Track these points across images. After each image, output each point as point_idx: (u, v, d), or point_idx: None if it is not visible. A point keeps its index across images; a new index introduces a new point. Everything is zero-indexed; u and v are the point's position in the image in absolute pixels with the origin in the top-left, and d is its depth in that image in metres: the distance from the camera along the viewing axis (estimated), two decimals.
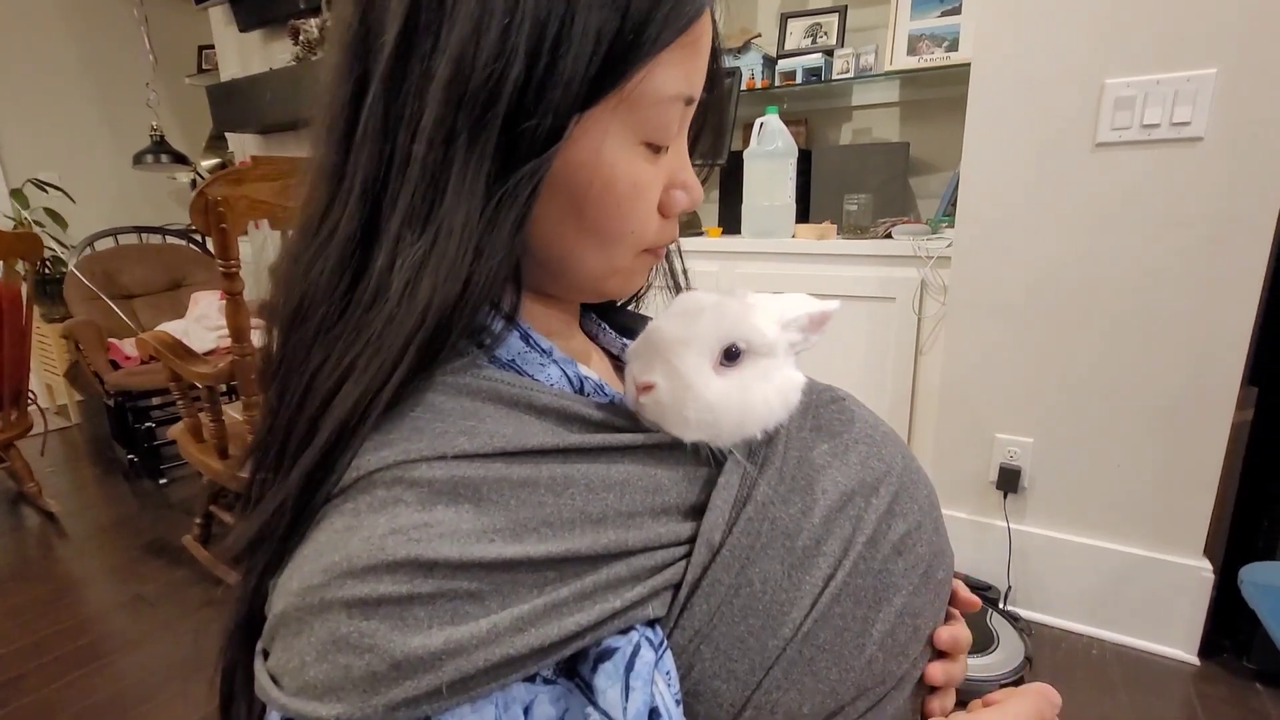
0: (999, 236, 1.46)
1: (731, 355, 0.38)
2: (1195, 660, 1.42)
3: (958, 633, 0.43)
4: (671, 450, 0.37)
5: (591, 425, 0.37)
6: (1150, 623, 1.45)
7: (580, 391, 0.43)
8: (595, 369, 0.47)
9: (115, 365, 2.69)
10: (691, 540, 0.35)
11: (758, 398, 0.38)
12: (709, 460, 0.37)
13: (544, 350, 0.42)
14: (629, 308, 0.62)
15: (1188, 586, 1.41)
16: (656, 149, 0.40)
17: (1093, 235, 1.37)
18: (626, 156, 0.38)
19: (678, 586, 0.35)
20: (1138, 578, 1.45)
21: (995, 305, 1.50)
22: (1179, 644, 1.44)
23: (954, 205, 1.79)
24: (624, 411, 0.39)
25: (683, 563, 0.35)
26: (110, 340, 2.73)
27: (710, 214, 2.22)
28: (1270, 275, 1.26)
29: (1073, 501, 1.50)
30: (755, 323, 0.38)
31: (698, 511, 0.36)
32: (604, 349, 0.55)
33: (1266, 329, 1.33)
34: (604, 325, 0.57)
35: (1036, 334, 1.46)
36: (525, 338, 0.42)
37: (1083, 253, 1.38)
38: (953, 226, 1.54)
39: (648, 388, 0.37)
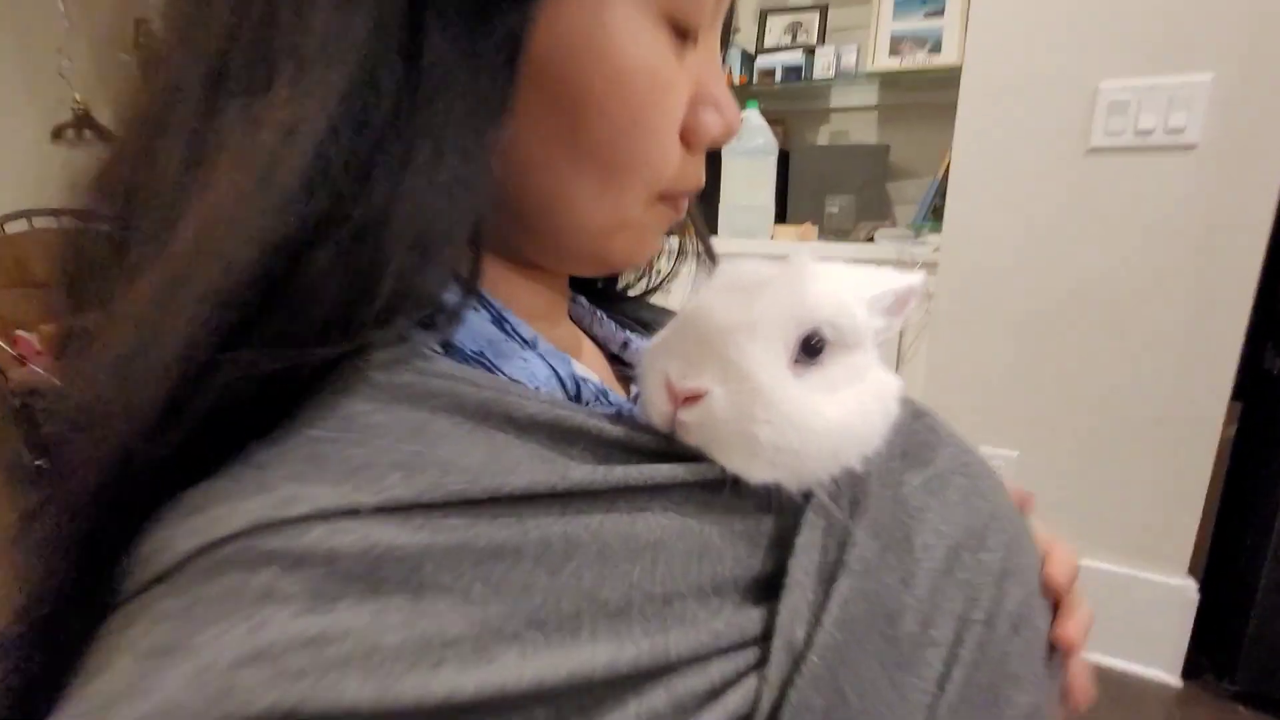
0: (987, 243, 1.41)
1: (813, 348, 0.27)
2: (1177, 682, 1.39)
3: None
4: (721, 491, 0.26)
5: (604, 451, 0.26)
6: (1132, 643, 1.41)
7: (576, 399, 0.31)
8: (590, 368, 0.35)
9: (22, 361, 2.43)
10: (762, 639, 0.24)
11: (858, 411, 0.27)
12: (777, 505, 0.26)
13: (525, 340, 0.31)
14: (633, 292, 0.50)
15: (1172, 606, 1.37)
16: (684, 34, 0.29)
17: (1083, 243, 1.33)
18: (643, 35, 0.27)
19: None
20: (1121, 596, 1.41)
21: (981, 313, 1.44)
22: (1161, 665, 1.40)
23: (934, 212, 1.75)
24: (647, 430, 0.27)
25: (752, 678, 0.23)
26: (18, 334, 2.47)
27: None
28: (1257, 289, 1.24)
29: (1058, 517, 1.45)
30: (845, 303, 0.27)
31: (765, 588, 0.25)
32: (599, 344, 0.43)
33: (1250, 343, 1.31)
34: (599, 313, 0.45)
35: (1023, 344, 1.41)
36: (499, 320, 0.31)
37: (1072, 261, 1.34)
38: (933, 232, 1.49)
39: (694, 397, 0.26)
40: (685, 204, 0.35)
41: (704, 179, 0.35)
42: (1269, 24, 1.14)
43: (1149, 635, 1.40)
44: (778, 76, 1.94)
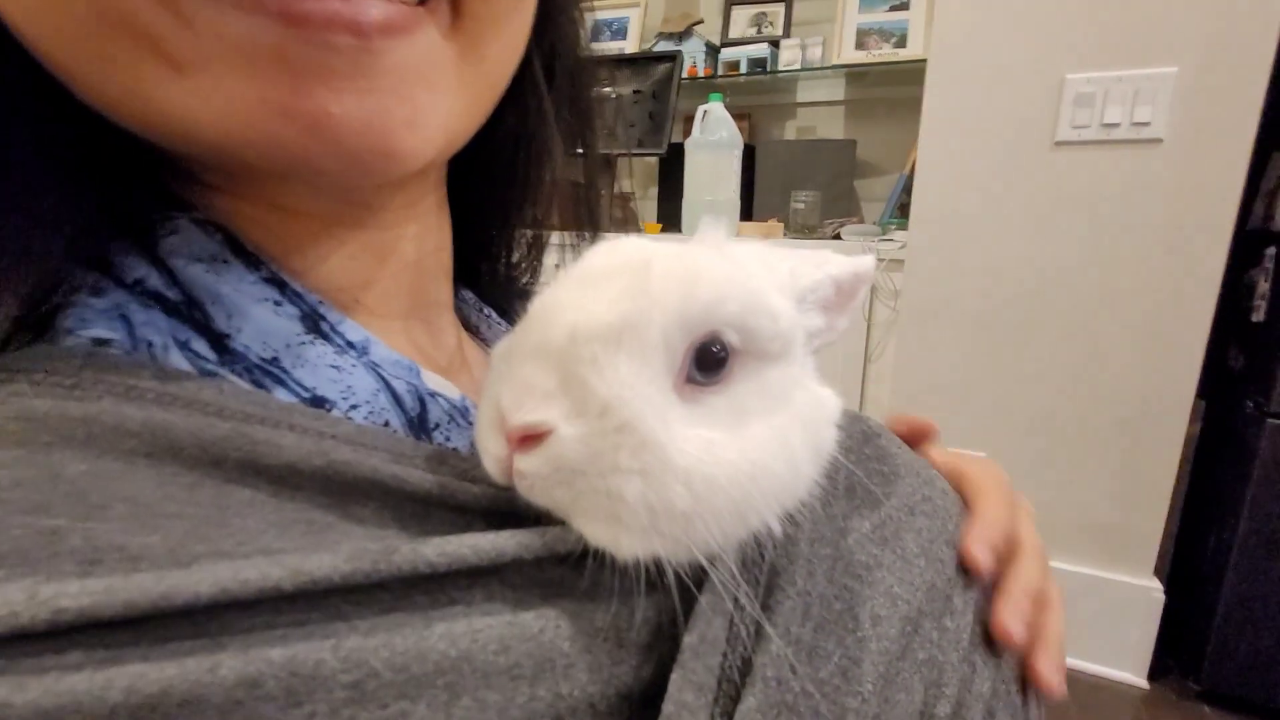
0: (954, 238, 1.38)
1: (712, 361, 0.20)
2: (1144, 683, 1.37)
3: None
4: (579, 567, 0.19)
5: (411, 510, 0.19)
6: (1099, 645, 1.39)
7: (419, 422, 0.24)
8: (464, 381, 0.28)
9: None
10: None
11: (776, 449, 0.20)
12: (657, 583, 0.19)
13: (349, 343, 0.24)
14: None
15: (1138, 607, 1.35)
16: None
17: (1049, 238, 1.30)
18: None
19: None
20: (1087, 598, 1.39)
21: (948, 311, 1.41)
22: (1128, 666, 1.38)
23: (901, 209, 1.72)
24: (488, 481, 0.20)
25: None
26: None
27: (649, 209, 2.08)
28: (1221, 285, 1.23)
29: None
30: (758, 293, 0.20)
31: (639, 708, 0.18)
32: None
33: (1213, 340, 1.30)
34: (486, 310, 0.37)
35: (989, 341, 1.39)
36: (312, 317, 0.23)
37: (1039, 257, 1.31)
38: (900, 229, 1.45)
39: (532, 437, 0.19)
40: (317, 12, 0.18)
41: None
42: (1233, 18, 1.13)
43: (1115, 637, 1.38)
44: (742, 68, 1.90)
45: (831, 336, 0.24)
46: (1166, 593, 1.35)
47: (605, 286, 0.20)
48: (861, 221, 1.79)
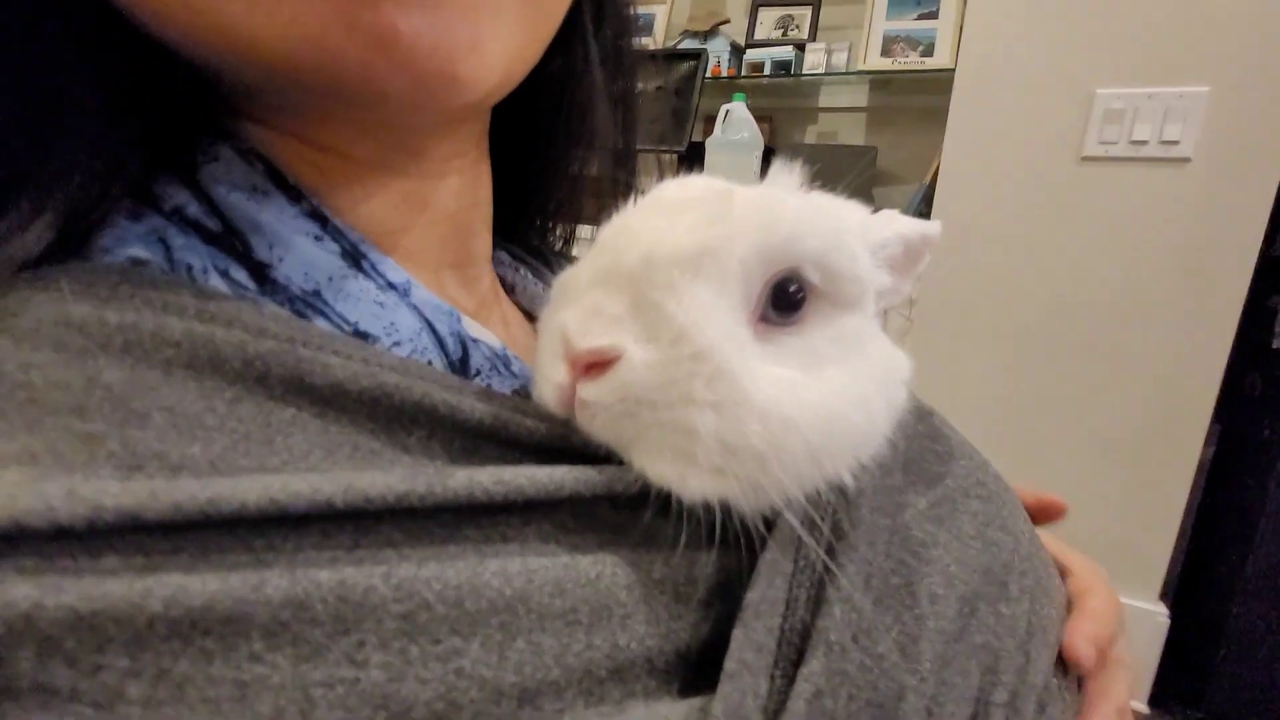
0: (973, 251, 1.37)
1: (789, 300, 0.19)
2: (1145, 709, 1.36)
3: None
4: (636, 513, 0.18)
5: (461, 441, 0.18)
6: None
7: (461, 367, 0.23)
8: (500, 334, 0.28)
9: None
10: None
11: (853, 398, 0.19)
12: (720, 537, 0.18)
13: (390, 283, 0.23)
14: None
15: (1141, 632, 1.34)
16: None
17: (1070, 254, 1.29)
18: None
19: None
20: None
21: (963, 324, 1.40)
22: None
23: (919, 217, 1.71)
24: (541, 414, 0.19)
25: None
26: None
27: None
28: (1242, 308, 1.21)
29: None
30: (841, 232, 0.19)
31: (695, 668, 0.17)
32: (525, 311, 0.35)
33: (1231, 365, 1.28)
34: (525, 274, 0.36)
35: (1004, 357, 1.37)
36: (353, 255, 0.22)
37: (1058, 272, 1.30)
38: None
39: (601, 363, 0.18)
40: None
41: None
42: (1268, 39, 1.11)
43: None
44: (766, 70, 1.89)
45: (895, 299, 0.23)
46: (1171, 617, 1.33)
47: (683, 213, 0.19)
48: None
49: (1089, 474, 1.34)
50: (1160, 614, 1.33)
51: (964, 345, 1.41)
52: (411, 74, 0.19)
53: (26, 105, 0.19)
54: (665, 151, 1.86)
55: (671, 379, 0.17)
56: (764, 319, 0.19)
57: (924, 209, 1.69)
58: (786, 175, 0.23)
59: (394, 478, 0.16)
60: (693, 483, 0.17)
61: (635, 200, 0.21)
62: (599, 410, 0.18)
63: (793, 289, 0.19)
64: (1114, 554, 1.35)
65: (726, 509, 0.18)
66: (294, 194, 0.23)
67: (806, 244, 0.19)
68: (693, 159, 1.85)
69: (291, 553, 0.15)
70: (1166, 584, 1.34)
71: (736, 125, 1.66)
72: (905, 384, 0.22)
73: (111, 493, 0.14)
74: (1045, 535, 0.30)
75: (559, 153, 0.34)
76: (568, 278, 0.21)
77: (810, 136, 2.06)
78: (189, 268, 0.20)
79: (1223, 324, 1.20)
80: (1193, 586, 1.38)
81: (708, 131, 1.83)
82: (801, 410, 0.18)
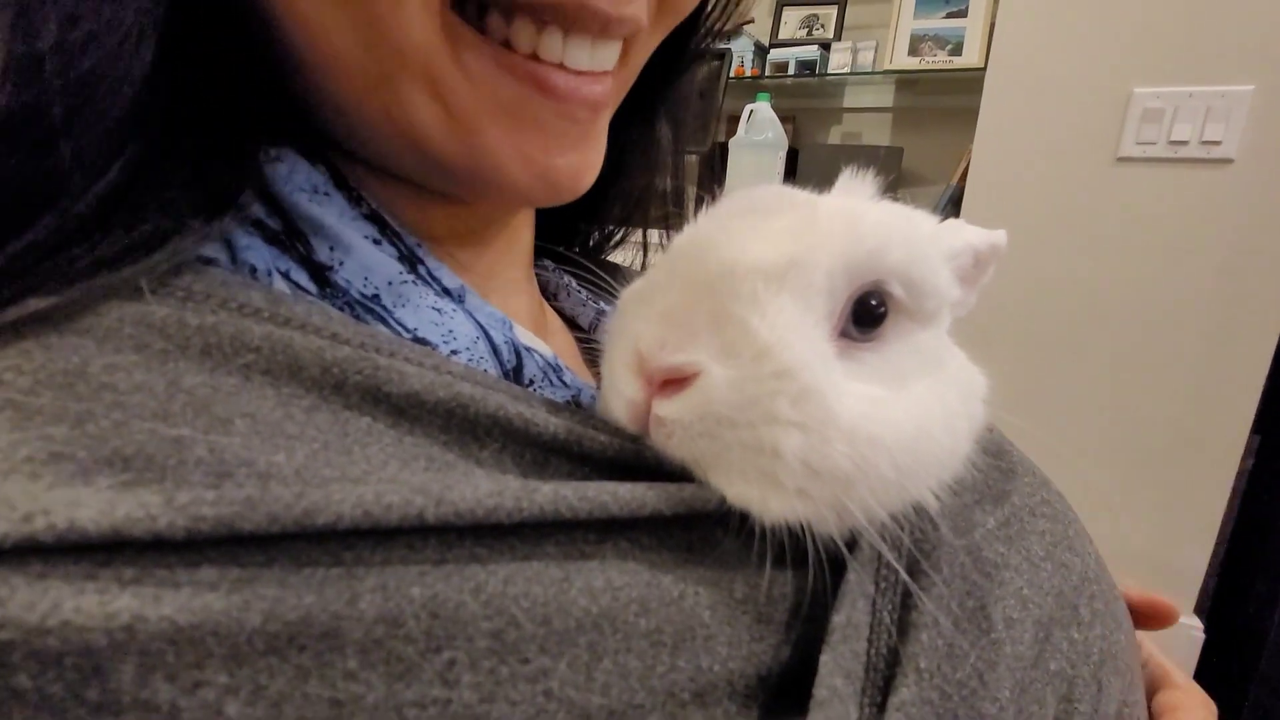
0: (1005, 254, 1.34)
1: (871, 315, 0.18)
2: None
3: None
4: (716, 534, 0.17)
5: (533, 455, 0.18)
6: None
7: (515, 376, 0.23)
8: (549, 345, 0.28)
9: None
10: None
11: (939, 417, 0.18)
12: (803, 559, 0.17)
13: (446, 289, 0.23)
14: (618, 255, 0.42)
15: (1176, 646, 1.30)
16: None
17: (1105, 258, 1.26)
18: None
19: None
20: None
21: (994, 326, 1.37)
22: None
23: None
24: (608, 428, 0.19)
25: None
26: None
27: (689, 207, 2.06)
28: None
29: None
30: (923, 245, 0.19)
31: (778, 692, 0.17)
32: (567, 318, 0.35)
33: (1273, 374, 1.24)
34: (567, 279, 0.36)
35: (1034, 362, 1.34)
36: (410, 259, 0.22)
37: (1092, 276, 1.27)
38: None
39: (679, 379, 0.17)
40: (582, 88, 0.22)
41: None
42: None
43: None
44: (790, 70, 1.87)
45: (962, 311, 0.22)
46: (1207, 631, 1.30)
47: (765, 223, 0.18)
48: None
49: (1123, 484, 1.30)
50: (1195, 628, 1.29)
51: (995, 351, 1.37)
52: (552, 192, 0.24)
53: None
54: (689, 152, 1.85)
55: (754, 398, 0.16)
56: (844, 334, 0.18)
57: (951, 211, 1.66)
58: (859, 184, 0.22)
59: (482, 491, 0.15)
60: (775, 505, 0.16)
61: (701, 207, 0.20)
62: (676, 428, 0.17)
63: (875, 303, 0.18)
64: (1148, 566, 1.31)
65: (809, 531, 0.17)
66: (354, 196, 0.23)
67: (892, 256, 0.18)
68: (717, 158, 1.83)
69: (381, 566, 0.14)
70: (1202, 597, 1.31)
71: (760, 125, 1.65)
72: (984, 401, 0.20)
73: (209, 501, 0.13)
74: (1145, 640, 0.29)
75: (615, 177, 0.34)
76: (639, 288, 0.20)
77: (834, 137, 2.04)
78: (252, 269, 0.20)
79: (1264, 332, 1.17)
80: (1229, 600, 1.34)
81: (731, 132, 1.82)
82: (889, 429, 0.17)
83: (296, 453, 0.15)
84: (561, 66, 0.22)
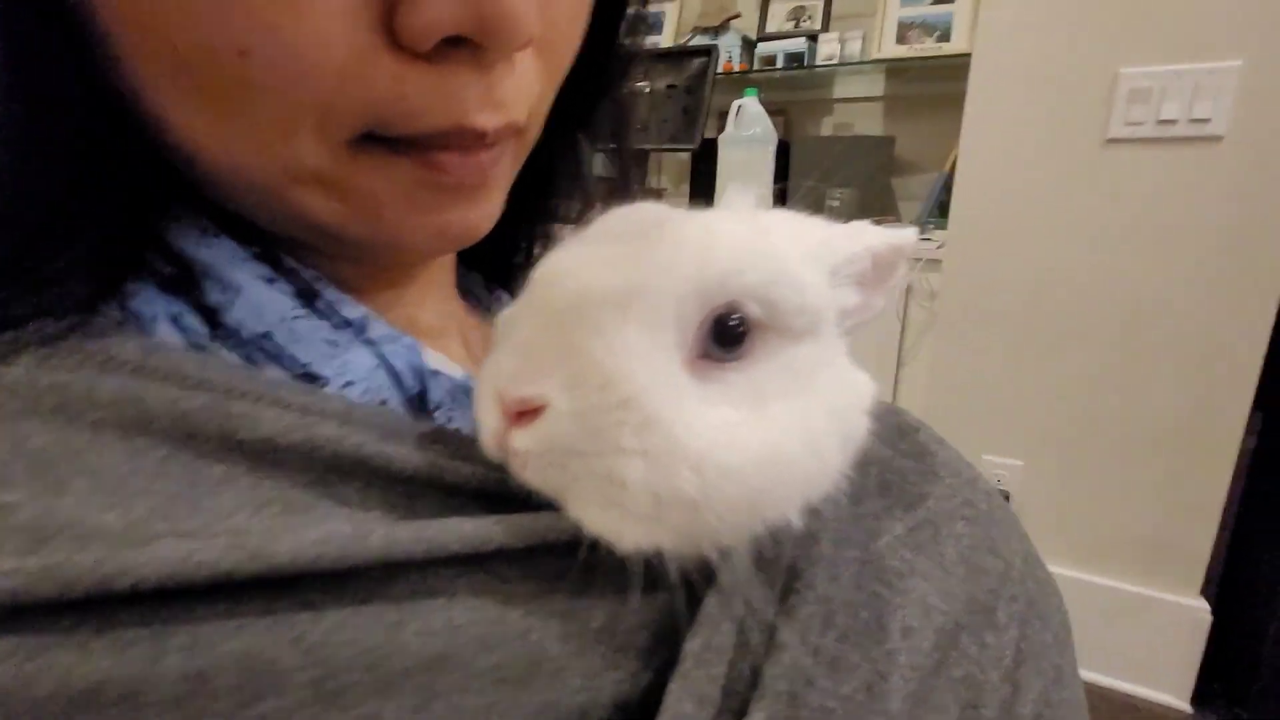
0: (995, 238, 1.33)
1: (730, 335, 0.18)
2: (1187, 708, 1.31)
3: None
4: (568, 561, 0.17)
5: (401, 491, 0.18)
6: (1140, 666, 1.33)
7: (420, 402, 0.23)
8: (459, 356, 0.28)
9: None
10: None
11: (799, 436, 0.18)
12: (660, 581, 0.17)
13: (346, 320, 0.23)
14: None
15: (1182, 628, 1.29)
16: None
17: (1097, 240, 1.24)
18: None
19: None
20: (1128, 617, 1.33)
21: (987, 313, 1.36)
22: (1170, 689, 1.32)
23: (940, 207, 1.67)
24: (480, 461, 0.19)
25: None
26: None
27: (680, 205, 2.06)
28: None
29: (1062, 531, 1.38)
30: (783, 262, 0.19)
31: (637, 712, 0.17)
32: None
33: (1273, 348, 1.23)
34: (500, 294, 0.36)
35: (1030, 347, 1.33)
36: (307, 294, 0.23)
37: (1085, 259, 1.26)
38: (939, 229, 1.41)
39: (528, 412, 0.17)
40: (471, 159, 0.22)
41: (485, 110, 0.21)
42: None
43: (1158, 658, 1.32)
44: (779, 63, 1.86)
45: (867, 315, 0.22)
46: (1214, 613, 1.29)
47: (614, 250, 0.18)
48: (899, 220, 1.75)
49: (1124, 467, 1.30)
50: (1202, 610, 1.28)
51: (989, 338, 1.37)
52: (451, 245, 0.25)
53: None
54: (678, 150, 1.85)
55: (599, 428, 0.17)
56: (706, 355, 0.18)
57: (945, 198, 1.65)
58: (741, 198, 0.22)
59: (306, 541, 0.15)
60: (627, 533, 0.17)
61: (572, 235, 0.20)
62: (530, 459, 0.18)
63: (734, 323, 0.18)
64: (1153, 549, 1.30)
65: (666, 557, 0.17)
66: (245, 238, 0.23)
67: (744, 278, 0.18)
68: (706, 156, 1.83)
69: (197, 623, 0.14)
70: (1208, 579, 1.30)
71: (749, 121, 1.64)
72: (866, 411, 0.20)
73: (3, 571, 0.13)
74: None
75: (539, 195, 0.34)
76: (509, 314, 0.20)
77: (826, 128, 2.03)
78: (138, 317, 0.20)
79: (1261, 308, 1.15)
80: (1235, 581, 1.33)
81: (721, 128, 1.82)
82: (738, 454, 0.17)
83: (134, 509, 0.15)
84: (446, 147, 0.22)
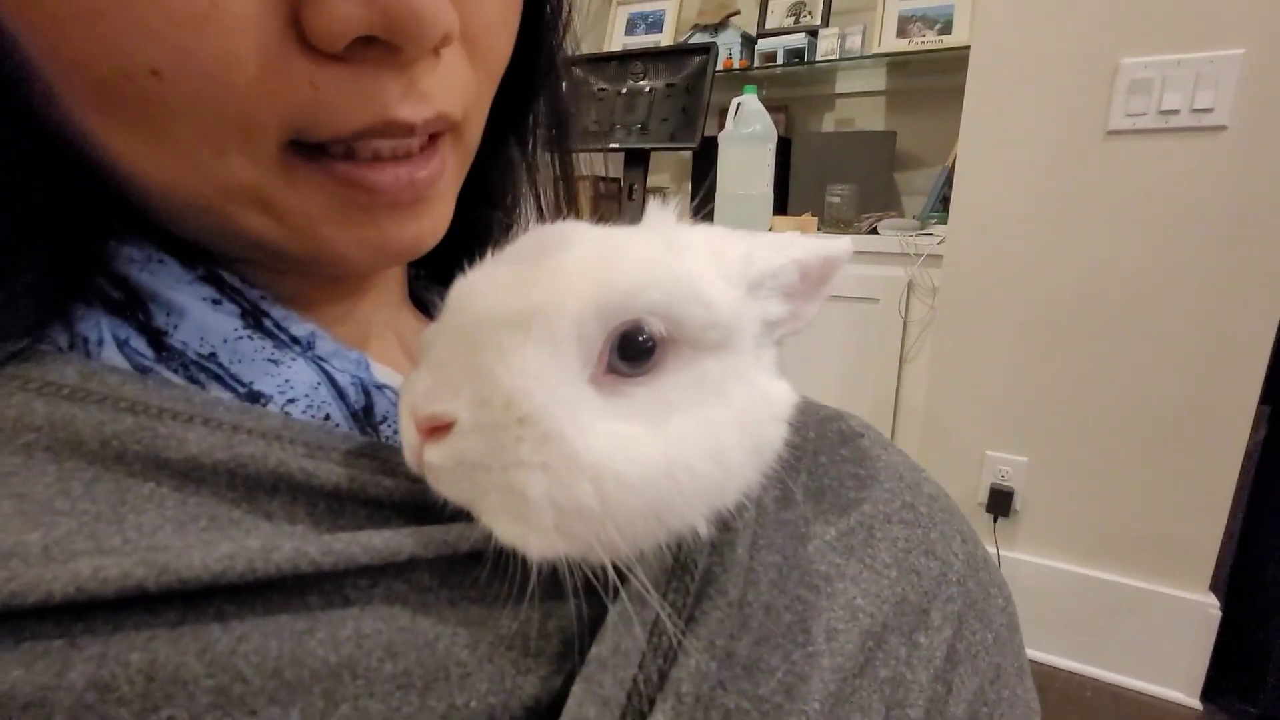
0: (996, 233, 1.32)
1: (636, 351, 0.18)
2: (1197, 704, 1.30)
3: None
4: (474, 569, 0.18)
5: (325, 505, 0.19)
6: (1149, 662, 1.32)
7: (365, 415, 0.24)
8: (399, 361, 0.28)
9: None
10: None
11: (702, 446, 0.18)
12: (574, 589, 0.18)
13: (294, 338, 0.24)
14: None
15: (1191, 623, 1.28)
16: None
17: (1099, 233, 1.23)
18: None
19: None
20: (1137, 612, 1.32)
21: (989, 309, 1.35)
22: (1179, 686, 1.31)
23: (942, 202, 1.66)
24: (403, 475, 0.20)
25: None
26: None
27: (681, 203, 2.06)
28: None
29: (1069, 527, 1.37)
30: (687, 279, 0.19)
31: (548, 713, 0.18)
32: None
33: (1279, 341, 1.21)
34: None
35: (1034, 342, 1.32)
36: (253, 314, 0.23)
37: (1088, 253, 1.25)
38: (941, 224, 1.40)
39: (439, 427, 0.18)
40: (404, 174, 0.22)
41: (408, 103, 0.21)
42: None
43: (1167, 654, 1.30)
44: (779, 59, 1.86)
45: (798, 325, 0.22)
46: (1223, 609, 1.27)
47: (520, 271, 0.19)
48: (901, 215, 1.73)
49: (1131, 462, 1.28)
50: (1211, 605, 1.27)
51: (991, 333, 1.36)
52: (393, 260, 0.25)
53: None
54: (678, 149, 1.85)
55: (500, 444, 0.17)
56: (612, 370, 0.19)
57: (947, 192, 1.64)
58: (660, 215, 0.23)
59: (211, 557, 0.16)
60: (534, 542, 0.17)
61: (487, 256, 0.21)
62: (441, 473, 0.18)
63: (641, 338, 0.18)
64: (1161, 544, 1.29)
65: (572, 565, 0.18)
66: (189, 260, 0.23)
67: (647, 297, 0.18)
68: (706, 155, 1.83)
69: (108, 635, 0.15)
70: (1218, 574, 1.28)
71: (748, 118, 1.64)
72: (781, 420, 0.21)
73: None
74: None
75: (480, 202, 0.34)
76: (428, 334, 0.21)
77: (828, 124, 2.02)
78: (85, 341, 0.21)
79: (1267, 301, 1.14)
80: (1245, 576, 1.32)
81: (720, 125, 1.81)
82: (635, 466, 0.17)
83: (58, 528, 0.16)
84: (379, 158, 0.22)
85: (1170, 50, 1.13)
